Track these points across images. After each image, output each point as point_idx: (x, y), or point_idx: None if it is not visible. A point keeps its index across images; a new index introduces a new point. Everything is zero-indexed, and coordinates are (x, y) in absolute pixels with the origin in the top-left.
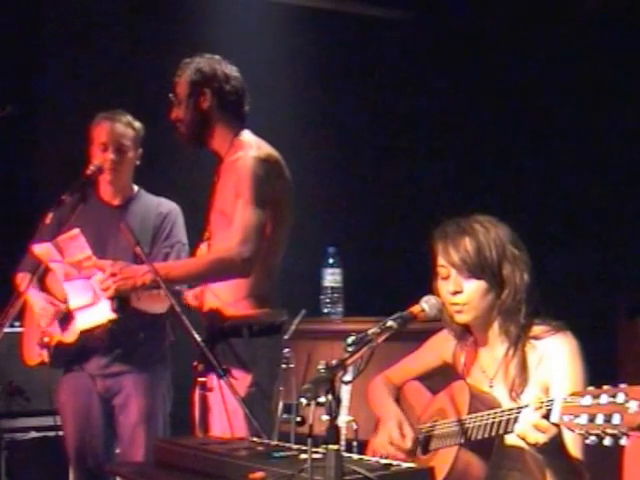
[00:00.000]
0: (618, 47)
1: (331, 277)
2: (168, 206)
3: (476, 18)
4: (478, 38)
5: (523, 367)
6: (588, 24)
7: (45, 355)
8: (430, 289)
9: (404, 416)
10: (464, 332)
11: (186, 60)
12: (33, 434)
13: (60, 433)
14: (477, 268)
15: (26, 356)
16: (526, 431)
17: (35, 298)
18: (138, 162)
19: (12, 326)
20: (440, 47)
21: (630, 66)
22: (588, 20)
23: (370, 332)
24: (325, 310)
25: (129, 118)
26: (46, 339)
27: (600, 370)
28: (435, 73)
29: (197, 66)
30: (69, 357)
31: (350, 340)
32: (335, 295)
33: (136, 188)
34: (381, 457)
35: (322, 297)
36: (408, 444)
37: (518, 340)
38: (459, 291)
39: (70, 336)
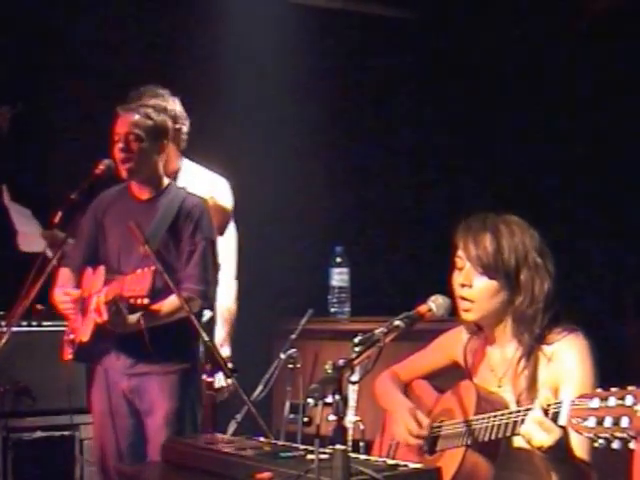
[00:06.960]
0: None
1: (338, 277)
2: (192, 202)
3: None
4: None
5: (533, 381)
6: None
7: (70, 354)
8: (438, 289)
9: (414, 405)
10: (476, 327)
11: None
12: (39, 433)
13: (66, 433)
14: (492, 268)
15: (63, 352)
16: (531, 431)
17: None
18: (161, 154)
19: (19, 325)
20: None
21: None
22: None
23: (377, 332)
24: (332, 310)
25: (147, 110)
26: (72, 336)
27: (608, 367)
28: (448, 75)
29: None
30: (92, 356)
31: (357, 340)
32: (342, 295)
33: (167, 181)
34: (394, 451)
35: (329, 297)
36: (425, 432)
37: (531, 351)
38: (468, 285)
39: (84, 334)
